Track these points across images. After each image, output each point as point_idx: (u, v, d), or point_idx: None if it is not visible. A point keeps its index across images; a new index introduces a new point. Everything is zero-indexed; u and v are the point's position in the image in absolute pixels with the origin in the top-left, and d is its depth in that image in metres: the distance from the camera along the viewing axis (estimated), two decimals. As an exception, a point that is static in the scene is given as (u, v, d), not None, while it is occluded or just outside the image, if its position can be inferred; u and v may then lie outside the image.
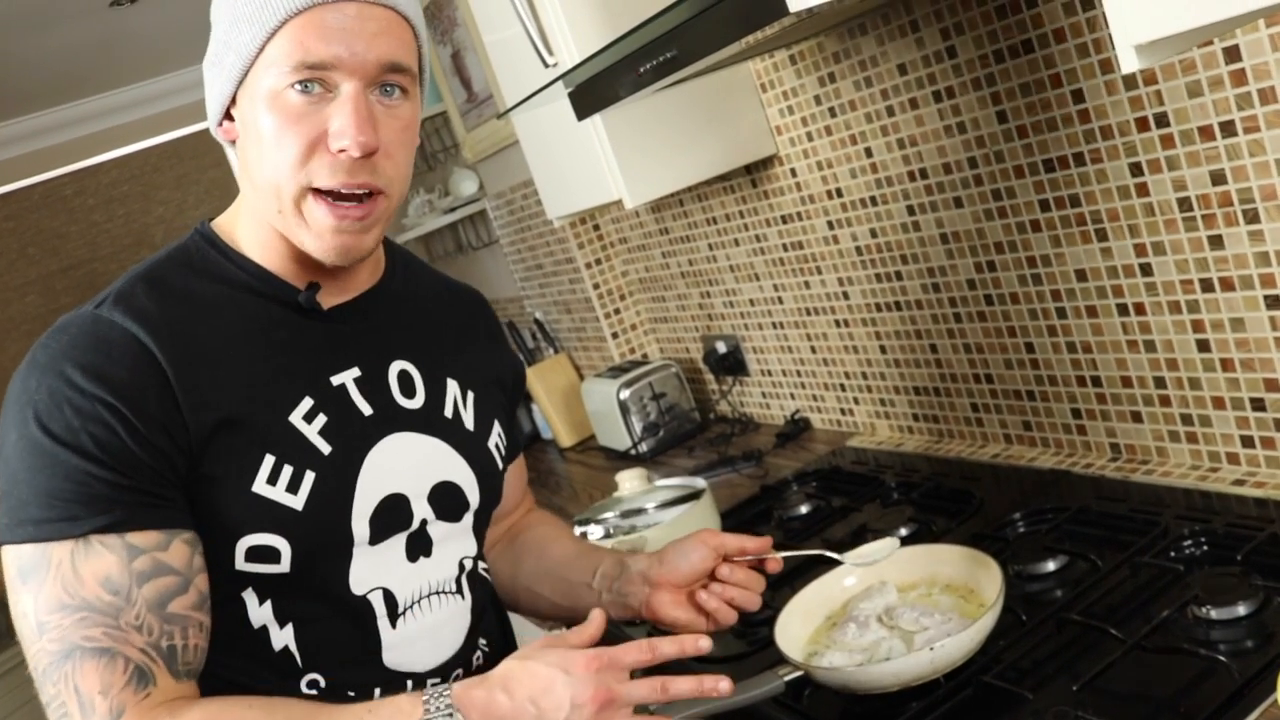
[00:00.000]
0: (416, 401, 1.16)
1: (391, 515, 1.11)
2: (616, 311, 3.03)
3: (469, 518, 1.21)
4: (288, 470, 1.04)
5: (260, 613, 1.06)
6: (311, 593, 1.07)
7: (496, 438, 1.26)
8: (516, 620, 1.54)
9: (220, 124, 1.08)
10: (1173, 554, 1.35)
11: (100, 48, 3.60)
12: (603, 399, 2.76)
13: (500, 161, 3.15)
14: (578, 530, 1.85)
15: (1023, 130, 1.58)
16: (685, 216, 2.58)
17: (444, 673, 1.16)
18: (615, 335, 3.03)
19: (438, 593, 1.15)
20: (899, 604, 1.34)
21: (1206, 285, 1.43)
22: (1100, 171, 1.50)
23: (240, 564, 1.03)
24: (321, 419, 1.07)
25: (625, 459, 2.74)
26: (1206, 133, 1.34)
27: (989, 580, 1.29)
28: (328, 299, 1.13)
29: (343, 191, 1.02)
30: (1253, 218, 1.33)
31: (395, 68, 1.02)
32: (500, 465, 1.27)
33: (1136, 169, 1.44)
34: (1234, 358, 1.44)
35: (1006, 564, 1.42)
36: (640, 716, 1.05)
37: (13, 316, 4.19)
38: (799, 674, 1.24)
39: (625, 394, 2.69)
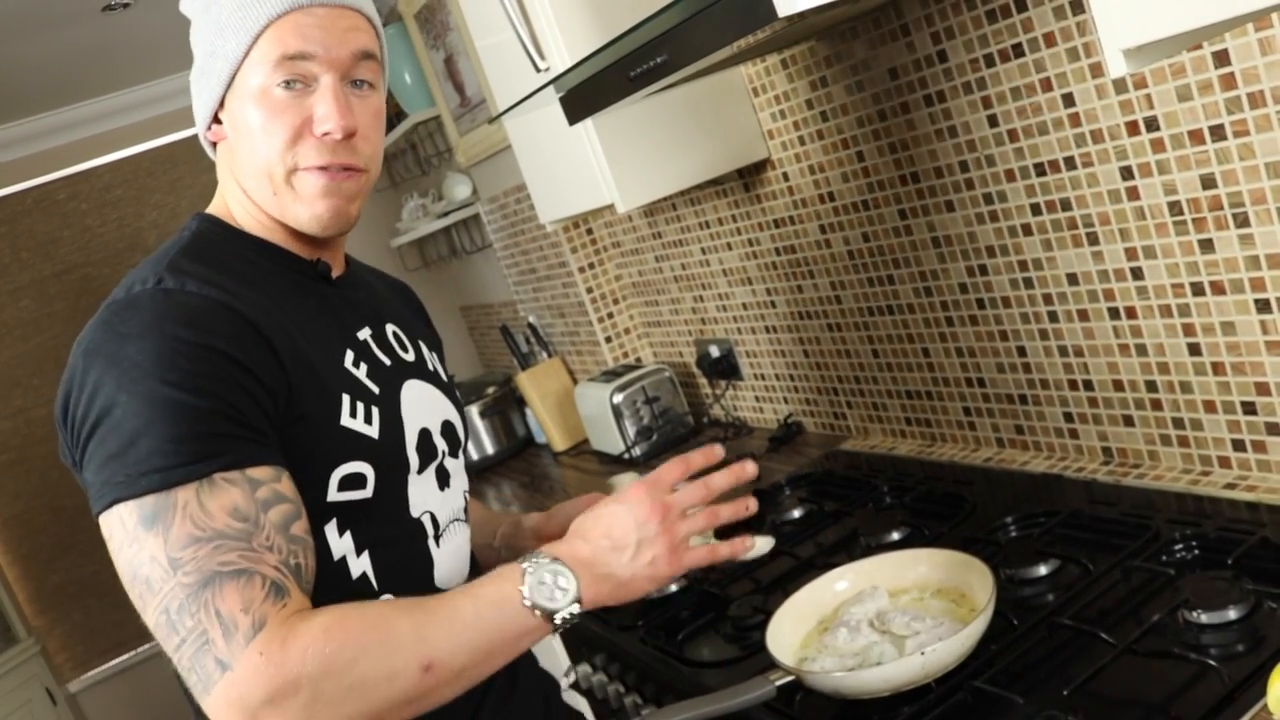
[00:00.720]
0: (411, 356, 1.30)
1: (426, 446, 1.23)
2: (610, 315, 3.03)
3: (461, 455, 1.34)
4: (360, 406, 1.16)
5: (341, 544, 1.14)
6: (384, 518, 1.18)
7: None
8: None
9: (209, 128, 1.19)
10: (1164, 558, 1.35)
11: (93, 52, 3.59)
12: (596, 403, 2.76)
13: (493, 166, 3.15)
14: None
15: (1013, 134, 1.58)
16: (678, 220, 2.58)
17: None
18: (609, 339, 3.03)
19: (456, 519, 1.29)
20: (890, 608, 1.34)
21: (1197, 289, 1.43)
22: (1091, 175, 1.50)
23: (333, 495, 1.12)
24: (364, 365, 1.20)
25: (619, 463, 2.74)
26: (1196, 136, 1.34)
27: (981, 584, 1.29)
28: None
29: (328, 166, 1.15)
30: (1242, 221, 1.33)
31: (367, 54, 1.17)
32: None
33: (1127, 173, 1.45)
34: (1225, 361, 1.44)
35: (998, 568, 1.42)
36: None
37: (6, 321, 4.17)
38: (790, 679, 1.24)
39: (619, 398, 2.69)
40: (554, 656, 2.06)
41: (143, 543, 0.98)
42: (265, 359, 1.07)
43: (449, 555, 1.26)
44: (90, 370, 1.04)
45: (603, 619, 1.80)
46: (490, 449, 3.30)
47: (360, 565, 1.15)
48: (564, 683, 1.85)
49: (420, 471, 1.22)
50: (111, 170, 4.29)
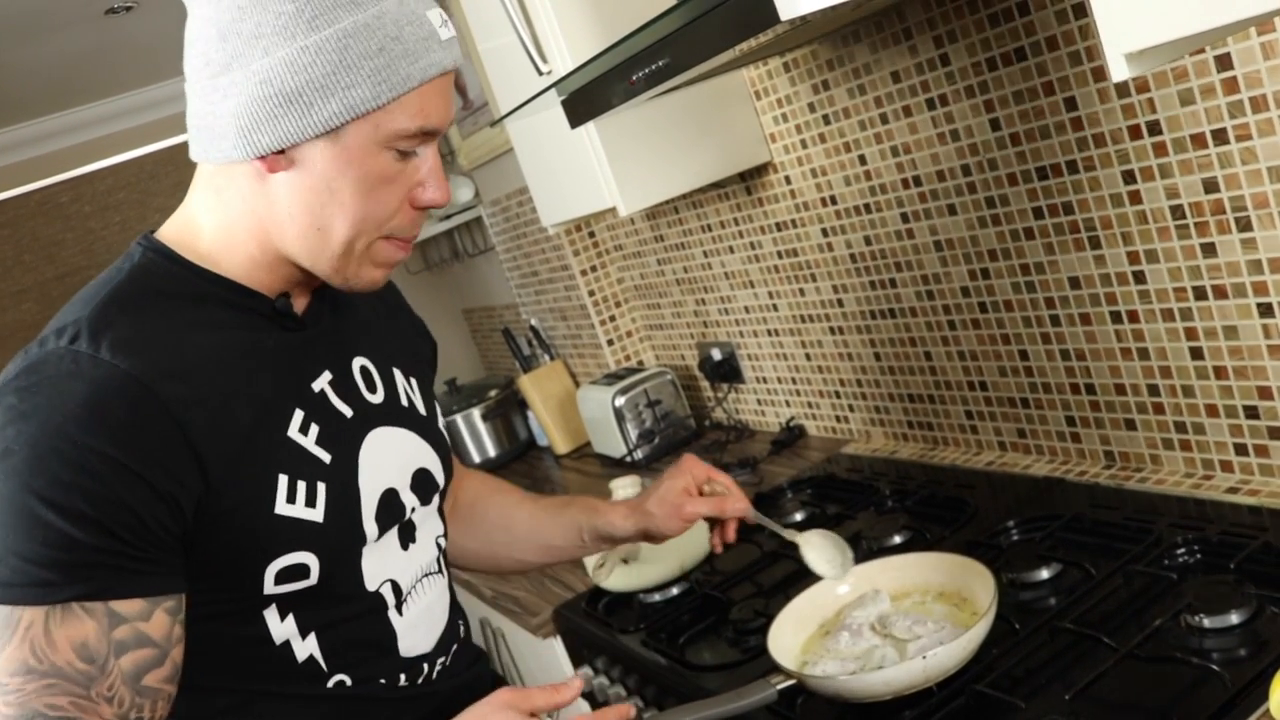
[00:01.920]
0: (379, 396, 1.16)
1: (389, 509, 1.12)
2: (612, 318, 3.03)
3: (437, 498, 1.23)
4: (301, 486, 1.03)
5: (282, 628, 1.05)
6: (334, 599, 1.08)
7: (440, 418, 1.28)
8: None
9: (264, 156, 0.98)
10: (1166, 562, 1.35)
11: (96, 55, 3.59)
12: (598, 406, 2.76)
13: (496, 169, 3.15)
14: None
15: (1015, 138, 1.58)
16: (680, 224, 2.58)
17: (444, 649, 1.20)
18: (611, 342, 3.03)
19: (427, 575, 1.18)
20: (892, 612, 1.34)
21: (1199, 293, 1.43)
22: (1093, 179, 1.50)
23: (270, 588, 1.02)
24: (315, 428, 1.06)
25: (620, 466, 2.74)
26: (1199, 140, 1.34)
27: (982, 588, 1.29)
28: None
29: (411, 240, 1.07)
30: (1245, 225, 1.33)
31: None
32: (449, 443, 1.30)
33: (1129, 176, 1.45)
34: (1227, 365, 1.44)
35: (1000, 572, 1.42)
36: None
37: (9, 324, 4.18)
38: (791, 682, 1.24)
39: (620, 401, 2.69)
40: (556, 659, 2.05)
41: None
42: (173, 455, 0.94)
43: (416, 621, 1.16)
44: None
45: (605, 622, 1.80)
46: (492, 451, 3.30)
47: (306, 648, 1.07)
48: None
49: (379, 539, 1.11)
50: (114, 173, 4.30)
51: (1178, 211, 1.40)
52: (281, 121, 0.95)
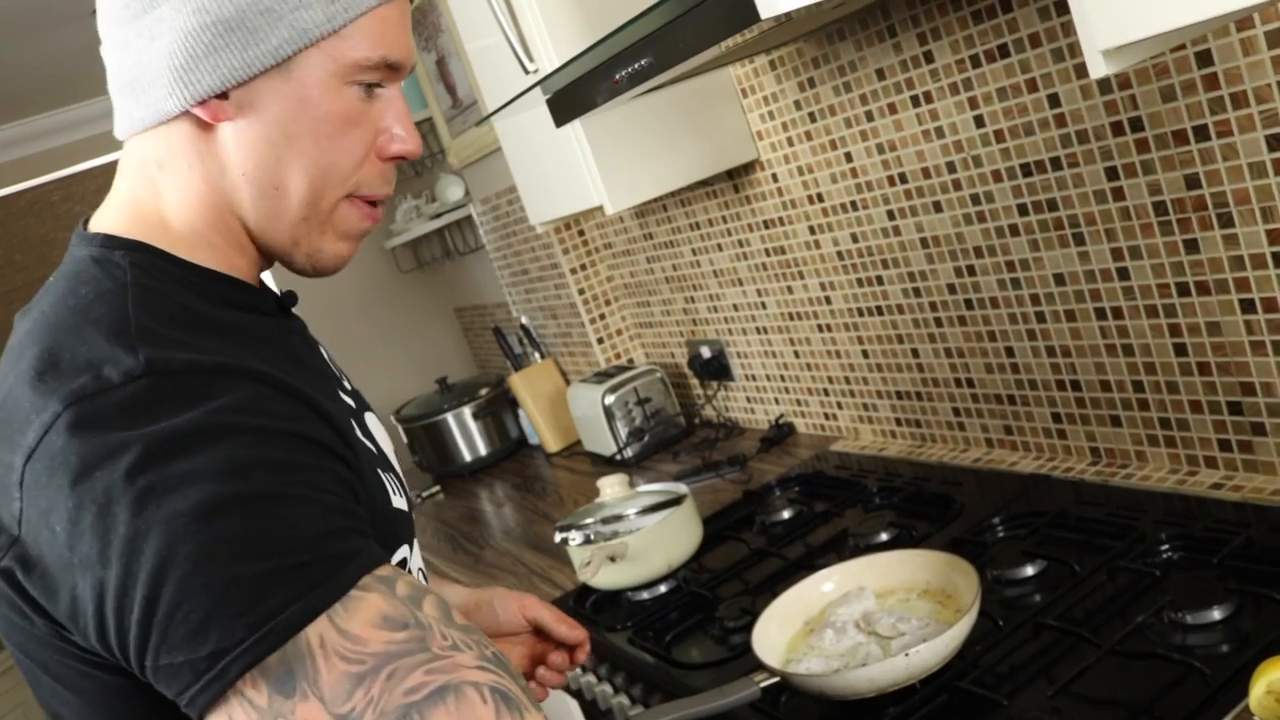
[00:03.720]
0: (347, 383, 1.06)
1: (407, 495, 1.03)
2: (602, 317, 3.03)
3: None
4: (389, 479, 0.93)
5: None
6: None
7: None
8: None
9: (204, 101, 0.83)
10: (1150, 559, 1.35)
11: (85, 53, 3.59)
12: (588, 404, 2.76)
13: (485, 167, 3.15)
14: (558, 537, 1.85)
15: (1000, 135, 1.58)
16: (669, 221, 2.58)
17: None
18: (601, 340, 3.03)
19: (421, 569, 1.08)
20: (877, 609, 1.34)
21: (1183, 289, 1.43)
22: (1077, 175, 1.50)
23: None
24: (354, 424, 0.93)
25: (610, 464, 2.74)
26: (1180, 137, 1.34)
27: (966, 586, 1.29)
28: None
29: (379, 202, 0.92)
30: (1227, 222, 1.33)
31: None
32: None
33: (1112, 173, 1.45)
34: (1211, 361, 1.44)
35: (985, 569, 1.43)
36: None
37: (1, 324, 4.18)
38: (776, 680, 1.25)
39: (610, 399, 2.69)
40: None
41: (282, 711, 0.69)
42: (330, 435, 0.81)
43: None
44: (108, 523, 0.69)
45: (592, 620, 1.80)
46: (483, 450, 3.30)
47: None
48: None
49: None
50: (105, 172, 4.30)
51: (1160, 208, 1.41)
52: (223, 55, 0.81)
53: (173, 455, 0.70)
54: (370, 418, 1.04)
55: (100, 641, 0.72)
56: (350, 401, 1.00)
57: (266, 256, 0.93)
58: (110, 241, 0.86)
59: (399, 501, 0.92)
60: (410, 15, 0.94)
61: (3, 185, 4.15)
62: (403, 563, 0.93)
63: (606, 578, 1.78)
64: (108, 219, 0.89)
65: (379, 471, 0.91)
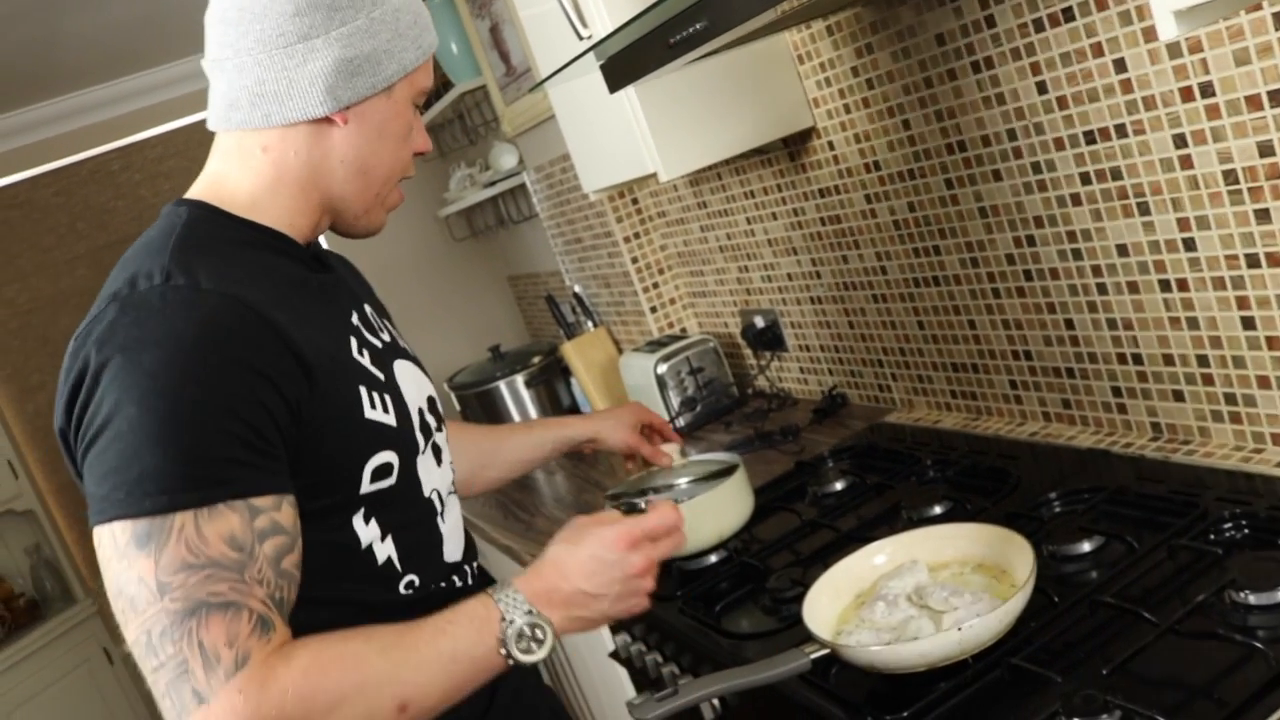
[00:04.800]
0: (386, 336, 1.29)
1: (424, 426, 1.25)
2: (655, 285, 3.02)
3: (445, 426, 1.36)
4: (376, 396, 1.16)
5: (367, 531, 1.15)
6: (405, 501, 1.20)
7: None
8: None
9: (333, 110, 1.15)
10: (1212, 537, 1.32)
11: (145, 24, 3.62)
12: (641, 373, 2.75)
13: (539, 135, 3.14)
14: (608, 506, 1.85)
15: (1063, 101, 1.54)
16: (723, 190, 2.55)
17: (470, 558, 1.32)
18: (654, 309, 3.02)
19: (451, 493, 1.31)
20: (929, 583, 1.33)
21: (1252, 260, 1.39)
22: (1143, 143, 1.46)
23: (365, 487, 1.13)
24: (366, 352, 1.20)
25: (662, 434, 2.73)
26: (1254, 102, 1.29)
27: (1021, 561, 1.27)
28: None
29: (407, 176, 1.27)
30: (1300, 191, 1.29)
31: None
32: None
33: (1180, 140, 1.41)
34: (1279, 335, 1.40)
35: (1040, 544, 1.40)
36: (671, 693, 1.20)
37: (63, 290, 4.25)
38: (826, 652, 1.24)
39: (663, 368, 2.68)
40: (594, 626, 2.06)
41: (132, 561, 0.96)
42: (287, 366, 1.05)
43: (453, 530, 1.28)
44: (100, 375, 1.00)
45: (642, 590, 1.80)
46: (535, 417, 3.30)
47: (385, 550, 1.17)
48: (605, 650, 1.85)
49: (423, 450, 1.23)
50: (164, 141, 4.35)
51: (1230, 176, 1.36)
52: (361, 78, 1.14)
53: (147, 349, 0.99)
54: (400, 364, 1.26)
55: (65, 438, 1.05)
56: (373, 339, 1.24)
57: (330, 219, 1.23)
58: (182, 202, 1.17)
59: (377, 414, 1.15)
60: None
61: (64, 155, 4.22)
62: (384, 467, 1.15)
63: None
64: (193, 190, 1.19)
65: (361, 388, 1.14)
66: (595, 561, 1.15)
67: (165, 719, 0.97)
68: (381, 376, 1.19)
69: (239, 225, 1.15)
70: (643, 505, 1.82)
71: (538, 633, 1.09)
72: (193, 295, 1.03)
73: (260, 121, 1.14)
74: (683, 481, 1.84)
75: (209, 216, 1.15)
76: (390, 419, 1.17)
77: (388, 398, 1.18)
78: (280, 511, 1.03)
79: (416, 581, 1.20)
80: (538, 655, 1.09)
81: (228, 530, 0.98)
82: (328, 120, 1.15)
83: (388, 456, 1.15)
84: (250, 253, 1.13)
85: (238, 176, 1.17)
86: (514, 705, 1.29)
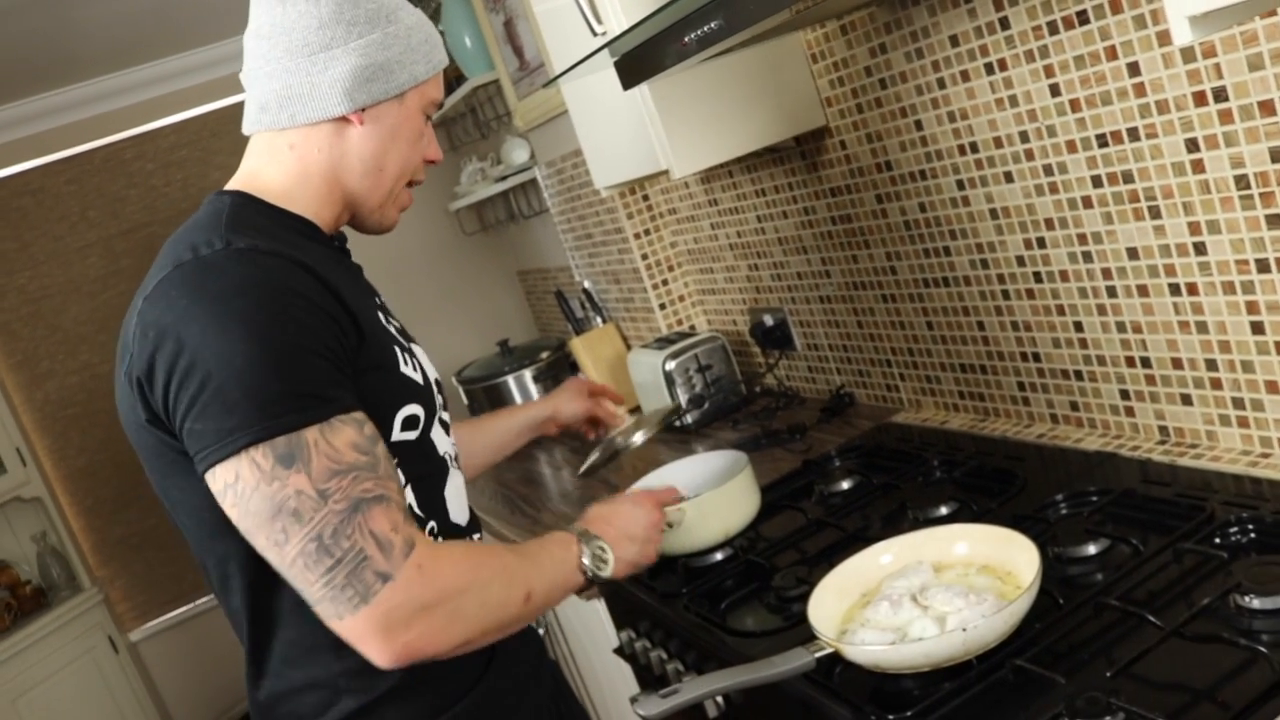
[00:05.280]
0: (397, 323, 1.40)
1: (436, 396, 1.38)
2: (665, 282, 3.02)
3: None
4: (405, 356, 1.31)
5: (398, 476, 1.25)
6: (423, 456, 1.32)
7: None
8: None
9: (356, 111, 1.28)
10: (1218, 540, 1.32)
11: (157, 14, 3.63)
12: (649, 370, 2.76)
13: (551, 130, 3.15)
14: None
15: (1076, 104, 1.55)
16: (734, 188, 2.56)
17: (475, 528, 1.44)
18: (663, 306, 3.02)
19: (456, 461, 1.42)
20: (933, 583, 1.33)
21: (1262, 266, 1.39)
22: (1155, 147, 1.46)
23: (396, 435, 1.26)
24: (392, 324, 1.35)
25: (670, 430, 2.74)
26: (1267, 108, 1.29)
27: (1027, 562, 1.27)
28: None
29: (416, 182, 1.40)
30: (1312, 197, 1.29)
31: None
32: None
33: (1192, 145, 1.41)
34: (1289, 341, 1.40)
35: (1046, 546, 1.40)
36: (674, 690, 1.23)
37: (74, 278, 4.26)
38: (830, 651, 1.24)
39: (671, 365, 2.69)
40: (600, 621, 2.07)
41: (285, 479, 1.08)
42: (342, 316, 1.18)
43: (458, 494, 1.40)
44: (192, 325, 1.10)
45: (648, 585, 1.80)
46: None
47: (409, 497, 1.28)
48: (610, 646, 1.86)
49: (435, 417, 1.36)
50: (176, 131, 4.35)
51: (1242, 181, 1.36)
52: (375, 84, 1.27)
53: (232, 298, 1.11)
54: (414, 346, 1.39)
55: (153, 400, 1.13)
56: (395, 323, 1.38)
57: (349, 213, 1.36)
58: (223, 193, 1.30)
59: (409, 371, 1.30)
60: None
61: (77, 143, 4.23)
62: (412, 418, 1.28)
63: (663, 543, 1.78)
64: (230, 185, 1.32)
65: (395, 348, 1.29)
66: (629, 516, 1.45)
67: (339, 613, 1.10)
68: (406, 344, 1.35)
69: (275, 211, 1.28)
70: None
71: (606, 555, 1.37)
72: (255, 255, 1.15)
73: (287, 121, 1.28)
74: (692, 478, 1.84)
75: (250, 203, 1.27)
76: (418, 377, 1.32)
77: (412, 360, 1.33)
78: (370, 423, 1.17)
79: (436, 529, 1.32)
80: (603, 573, 1.36)
81: (349, 439, 1.12)
82: (346, 120, 1.28)
83: (415, 409, 1.29)
84: (289, 233, 1.26)
85: (270, 172, 1.30)
86: (512, 665, 1.39)
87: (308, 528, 1.08)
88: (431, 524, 1.32)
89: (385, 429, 1.23)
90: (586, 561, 1.34)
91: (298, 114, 1.27)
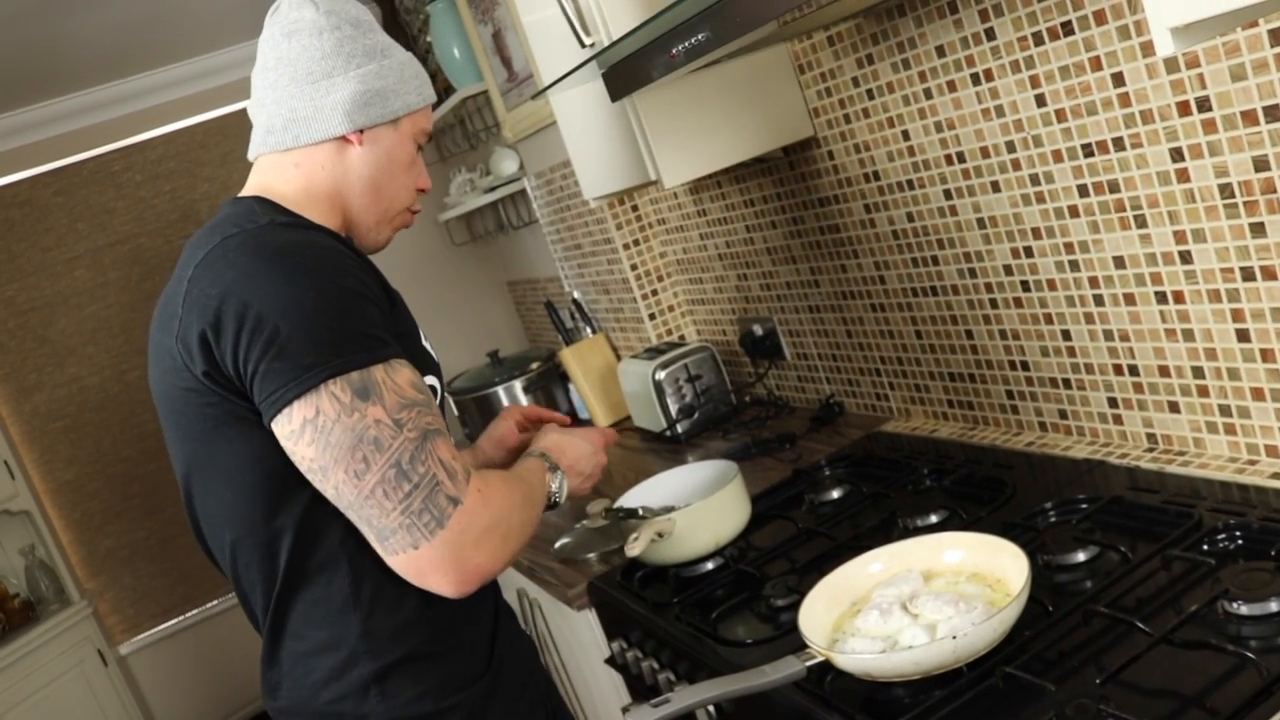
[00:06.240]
0: None
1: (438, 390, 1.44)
2: (654, 293, 3.02)
3: None
4: (424, 334, 1.43)
5: None
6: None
7: None
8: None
9: (355, 133, 1.38)
10: (1206, 547, 1.33)
11: (148, 25, 3.63)
12: (639, 380, 2.76)
13: (540, 141, 3.15)
14: (608, 516, 1.87)
15: (1061, 114, 1.56)
16: (723, 198, 2.56)
17: None
18: (652, 316, 3.03)
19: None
20: (923, 592, 1.33)
21: (1247, 274, 1.40)
22: (1140, 156, 1.47)
23: None
24: (406, 307, 1.42)
25: (660, 440, 2.74)
26: (1249, 117, 1.31)
27: (1016, 570, 1.27)
28: None
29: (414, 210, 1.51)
30: (1295, 205, 1.30)
31: None
32: None
33: (1177, 154, 1.42)
34: (1274, 348, 1.41)
35: (1036, 554, 1.41)
36: (666, 700, 1.24)
37: (62, 290, 4.25)
38: (821, 659, 1.24)
39: (661, 375, 2.69)
40: (591, 631, 2.07)
41: (364, 411, 1.17)
42: (376, 284, 1.29)
43: None
44: (256, 280, 1.18)
45: (639, 596, 1.80)
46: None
47: None
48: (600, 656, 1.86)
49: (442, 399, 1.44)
50: (165, 142, 4.34)
51: (1226, 190, 1.38)
52: (373, 108, 1.37)
53: (288, 257, 1.21)
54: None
55: (221, 353, 1.19)
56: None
57: (346, 231, 1.43)
58: (242, 197, 1.38)
59: (427, 345, 1.42)
60: None
61: (65, 155, 4.22)
62: (432, 389, 1.34)
63: (654, 553, 1.79)
64: (243, 193, 1.39)
65: (414, 323, 1.40)
66: (579, 449, 1.57)
67: (413, 544, 1.19)
68: (418, 328, 1.43)
69: (290, 214, 1.34)
70: (640, 512, 1.83)
71: (565, 484, 1.51)
72: (297, 228, 1.28)
73: (292, 141, 1.37)
74: (683, 488, 1.85)
75: (272, 204, 1.35)
76: (435, 353, 1.44)
77: (429, 343, 1.43)
78: (417, 371, 1.27)
79: None
80: (559, 500, 1.49)
81: (407, 379, 1.23)
82: (346, 141, 1.37)
83: (434, 381, 1.38)
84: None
85: (278, 188, 1.38)
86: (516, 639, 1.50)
87: (388, 454, 1.17)
88: None
89: None
90: (554, 487, 1.48)
91: (302, 134, 1.36)
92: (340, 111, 1.36)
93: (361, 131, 1.38)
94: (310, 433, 1.17)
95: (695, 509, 1.73)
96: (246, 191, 1.40)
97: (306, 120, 1.36)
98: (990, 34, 1.62)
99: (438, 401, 1.37)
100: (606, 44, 1.68)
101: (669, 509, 1.81)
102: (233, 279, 1.19)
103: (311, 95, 1.35)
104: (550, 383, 3.34)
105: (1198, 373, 1.54)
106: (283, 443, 1.20)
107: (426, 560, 1.19)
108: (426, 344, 1.42)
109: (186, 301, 1.22)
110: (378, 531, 1.20)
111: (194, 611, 4.39)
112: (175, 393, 1.25)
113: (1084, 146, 1.54)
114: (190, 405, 1.24)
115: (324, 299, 1.19)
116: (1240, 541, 1.33)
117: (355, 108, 1.36)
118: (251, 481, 1.24)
